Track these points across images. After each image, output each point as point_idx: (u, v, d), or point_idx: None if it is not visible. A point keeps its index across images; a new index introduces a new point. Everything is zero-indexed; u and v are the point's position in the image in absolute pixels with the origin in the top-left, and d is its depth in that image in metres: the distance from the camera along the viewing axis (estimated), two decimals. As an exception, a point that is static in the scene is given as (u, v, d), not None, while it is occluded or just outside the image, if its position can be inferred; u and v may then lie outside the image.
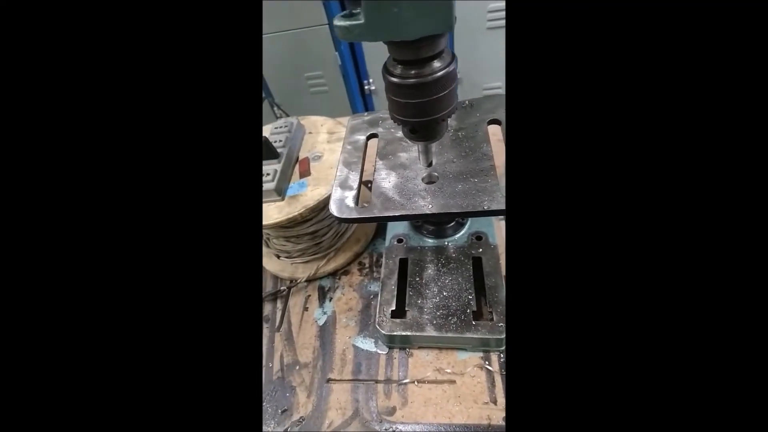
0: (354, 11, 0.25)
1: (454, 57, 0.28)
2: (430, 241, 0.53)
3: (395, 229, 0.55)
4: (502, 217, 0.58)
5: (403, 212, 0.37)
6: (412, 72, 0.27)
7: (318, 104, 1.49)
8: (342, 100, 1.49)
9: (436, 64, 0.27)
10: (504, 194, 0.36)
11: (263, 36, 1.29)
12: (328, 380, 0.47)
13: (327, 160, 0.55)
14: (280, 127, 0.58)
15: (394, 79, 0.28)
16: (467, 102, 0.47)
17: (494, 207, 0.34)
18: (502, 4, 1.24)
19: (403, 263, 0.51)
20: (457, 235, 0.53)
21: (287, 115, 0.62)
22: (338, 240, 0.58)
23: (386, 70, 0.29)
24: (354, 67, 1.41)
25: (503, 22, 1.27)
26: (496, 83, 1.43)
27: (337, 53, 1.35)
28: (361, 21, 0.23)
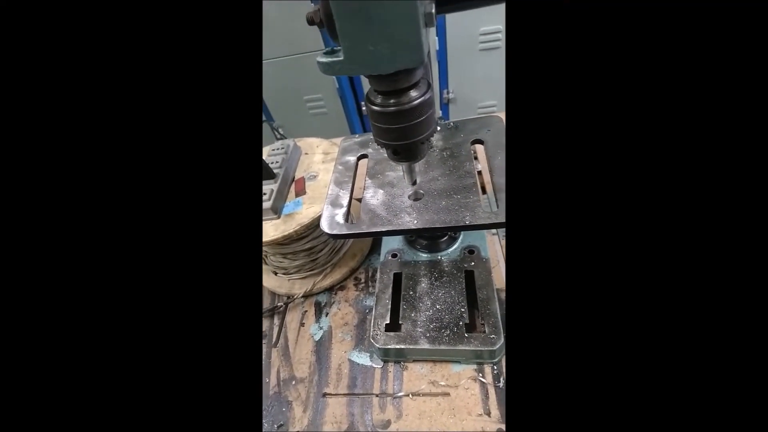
0: (336, 48, 0.28)
1: (429, 86, 0.31)
2: (423, 256, 0.54)
3: (390, 244, 0.57)
4: (494, 231, 0.60)
5: (390, 227, 0.39)
6: (391, 101, 0.30)
7: (318, 126, 1.54)
8: (341, 121, 1.54)
9: (413, 93, 0.30)
10: (485, 209, 0.38)
11: (264, 62, 1.36)
12: (324, 395, 0.48)
13: (322, 179, 0.58)
14: (277, 149, 0.61)
15: (376, 108, 0.31)
16: (452, 123, 0.50)
17: (475, 222, 0.36)
18: (494, 27, 1.29)
19: (398, 277, 0.52)
20: (450, 249, 0.54)
21: (285, 138, 0.65)
22: (334, 256, 0.60)
23: (368, 100, 0.32)
24: (351, 90, 1.46)
25: (495, 44, 1.33)
26: (491, 102, 1.47)
27: (334, 77, 1.40)
28: (341, 58, 0.26)
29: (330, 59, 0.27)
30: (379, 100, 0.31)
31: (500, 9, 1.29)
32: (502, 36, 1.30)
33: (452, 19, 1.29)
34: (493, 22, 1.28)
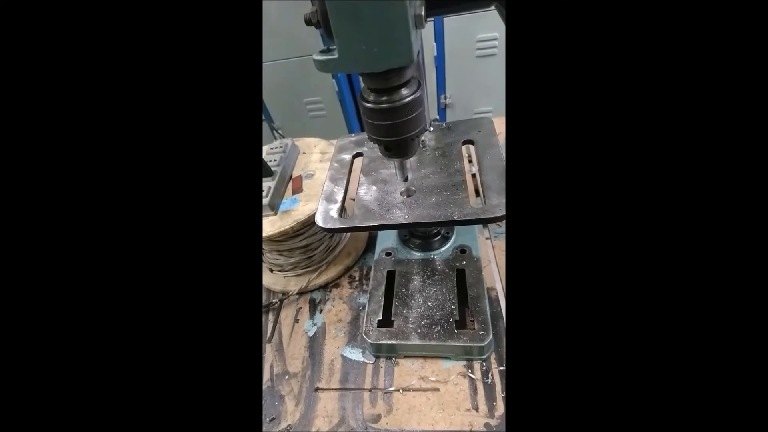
0: (331, 47, 0.29)
1: (420, 85, 0.32)
2: (417, 255, 0.55)
3: (384, 243, 0.58)
4: (487, 234, 0.61)
5: (382, 222, 0.40)
6: (384, 98, 0.32)
7: (317, 128, 1.56)
8: (340, 123, 1.56)
9: (404, 91, 0.31)
10: (473, 205, 0.39)
11: (266, 64, 1.38)
12: (316, 389, 0.48)
13: (319, 178, 0.59)
14: (276, 147, 0.62)
15: (368, 105, 0.32)
16: (444, 125, 0.52)
17: (462, 217, 0.38)
18: (491, 35, 1.32)
19: (391, 275, 0.53)
20: (443, 249, 0.55)
21: (283, 137, 0.67)
22: (329, 254, 0.61)
23: (362, 97, 0.33)
24: (350, 93, 1.48)
25: (492, 51, 1.35)
26: (487, 107, 1.49)
27: (334, 80, 1.42)
28: (336, 56, 0.27)
29: (325, 57, 0.28)
30: (371, 97, 0.32)
31: (497, 17, 1.31)
32: (498, 43, 1.33)
33: (450, 26, 1.31)
34: (490, 29, 1.31)
